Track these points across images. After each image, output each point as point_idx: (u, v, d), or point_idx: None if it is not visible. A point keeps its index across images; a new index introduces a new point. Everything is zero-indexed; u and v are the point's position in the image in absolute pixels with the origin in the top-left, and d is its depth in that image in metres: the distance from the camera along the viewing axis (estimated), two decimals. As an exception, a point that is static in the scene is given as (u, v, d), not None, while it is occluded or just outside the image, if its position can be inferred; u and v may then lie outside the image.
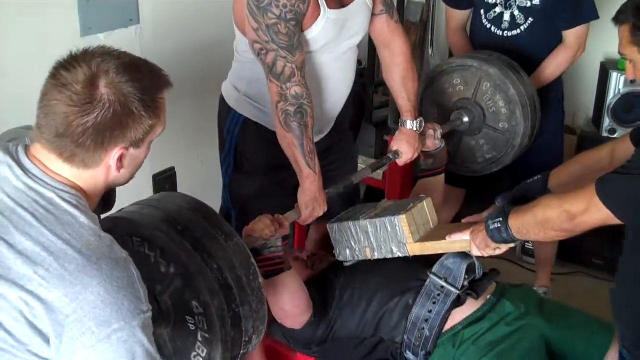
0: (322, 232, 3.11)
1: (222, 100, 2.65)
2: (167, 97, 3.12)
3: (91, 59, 1.44)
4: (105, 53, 1.47)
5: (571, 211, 1.78)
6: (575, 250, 3.83)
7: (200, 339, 1.74)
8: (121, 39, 3.27)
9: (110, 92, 1.43)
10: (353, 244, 2.37)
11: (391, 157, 2.61)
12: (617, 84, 3.67)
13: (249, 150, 2.61)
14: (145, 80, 1.48)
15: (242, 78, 2.54)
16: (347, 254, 2.41)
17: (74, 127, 1.42)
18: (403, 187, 3.43)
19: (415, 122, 2.64)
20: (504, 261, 3.78)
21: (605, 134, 3.72)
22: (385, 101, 3.98)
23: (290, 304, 2.26)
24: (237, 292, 1.73)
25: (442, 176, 2.78)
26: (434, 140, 2.69)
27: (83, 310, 1.36)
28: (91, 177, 1.50)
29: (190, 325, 1.74)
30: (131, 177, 1.60)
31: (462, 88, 2.97)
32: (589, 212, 1.74)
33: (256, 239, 2.04)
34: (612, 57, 3.79)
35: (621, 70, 3.67)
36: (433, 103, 3.07)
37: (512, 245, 2.05)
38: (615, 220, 1.72)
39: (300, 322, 2.32)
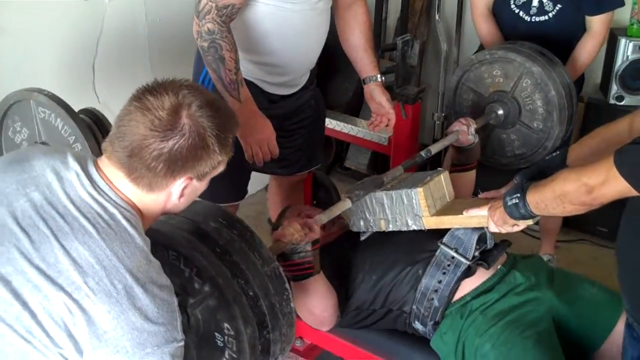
0: (285, 189, 3.15)
1: (198, 52, 2.62)
2: (173, 64, 3.13)
3: (179, 89, 1.50)
4: (192, 86, 1.53)
5: (589, 184, 1.76)
6: (580, 218, 3.77)
7: (227, 356, 1.74)
8: (126, 4, 3.25)
9: (191, 123, 1.48)
10: (368, 215, 2.36)
11: (423, 154, 2.56)
12: (626, 50, 3.64)
13: None
14: (222, 118, 1.54)
15: None
16: (360, 225, 2.40)
17: (150, 150, 1.46)
18: (408, 152, 3.41)
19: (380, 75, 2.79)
20: (508, 229, 3.79)
21: (612, 101, 3.69)
22: (391, 66, 3.93)
23: (319, 307, 2.26)
24: (269, 319, 1.73)
25: (473, 171, 2.70)
26: (468, 136, 2.62)
27: (122, 330, 1.39)
28: (151, 201, 1.55)
29: (219, 342, 1.74)
30: (185, 207, 1.64)
31: (502, 80, 2.92)
32: (608, 184, 1.71)
33: (285, 244, 2.02)
34: (620, 24, 3.75)
35: (629, 36, 3.65)
36: (469, 89, 3.04)
37: (531, 221, 2.03)
38: (634, 192, 1.69)
39: (328, 323, 2.33)
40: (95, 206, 1.47)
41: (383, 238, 2.38)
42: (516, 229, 2.08)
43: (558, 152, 2.20)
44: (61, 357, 1.40)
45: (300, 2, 2.46)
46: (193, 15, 2.37)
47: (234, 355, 1.72)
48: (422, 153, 2.57)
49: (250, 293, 1.70)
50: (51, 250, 1.42)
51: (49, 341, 1.39)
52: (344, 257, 2.43)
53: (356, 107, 4.08)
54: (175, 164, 1.48)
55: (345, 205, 2.27)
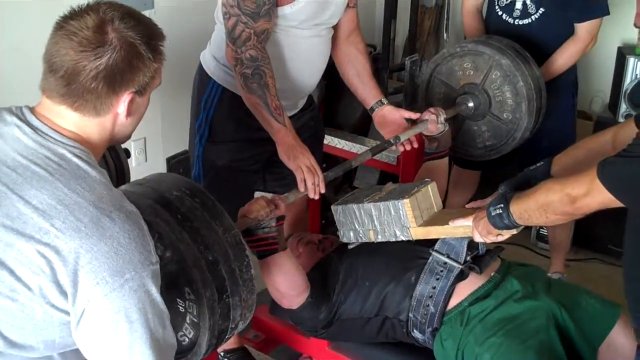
0: (289, 208, 3.16)
1: (201, 69, 2.67)
2: (179, 83, 3.16)
3: (97, 7, 1.50)
4: (109, 3, 1.53)
5: (572, 194, 1.77)
6: (591, 236, 3.80)
7: (188, 321, 1.77)
8: (135, 24, 3.30)
9: (118, 36, 1.48)
10: (357, 226, 2.38)
11: (392, 141, 2.60)
12: (634, 69, 3.64)
13: (225, 121, 2.63)
14: (146, 26, 1.54)
15: (221, 48, 2.52)
16: (350, 236, 2.42)
17: (87, 72, 1.46)
18: (416, 172, 3.42)
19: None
20: (518, 247, 3.79)
21: (621, 120, 3.66)
22: (399, 87, 3.96)
23: (285, 285, 2.27)
24: (229, 284, 1.75)
25: (446, 159, 2.77)
26: (437, 125, 2.67)
27: (98, 261, 1.40)
28: (100, 127, 1.54)
29: (180, 307, 1.76)
30: (133, 130, 1.64)
31: (472, 73, 2.98)
32: (590, 195, 1.72)
33: (251, 220, 2.06)
34: (629, 42, 3.76)
35: (638, 55, 3.64)
36: (441, 82, 3.09)
37: (515, 231, 2.03)
38: (617, 203, 1.70)
39: (297, 302, 2.33)
40: (43, 151, 1.47)
41: (375, 247, 2.40)
42: (500, 239, 2.08)
43: (542, 162, 2.20)
44: (50, 306, 1.42)
45: (307, 29, 2.49)
46: (227, 40, 2.38)
47: (195, 320, 1.74)
48: (392, 140, 2.60)
49: (210, 258, 1.71)
50: (11, 204, 1.42)
51: (32, 294, 1.41)
52: (330, 261, 2.47)
53: (364, 127, 4.08)
54: (114, 79, 1.48)
55: None
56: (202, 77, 2.67)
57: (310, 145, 2.81)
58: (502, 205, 1.98)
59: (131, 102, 1.54)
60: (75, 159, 1.48)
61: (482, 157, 3.09)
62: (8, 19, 2.85)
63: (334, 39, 2.70)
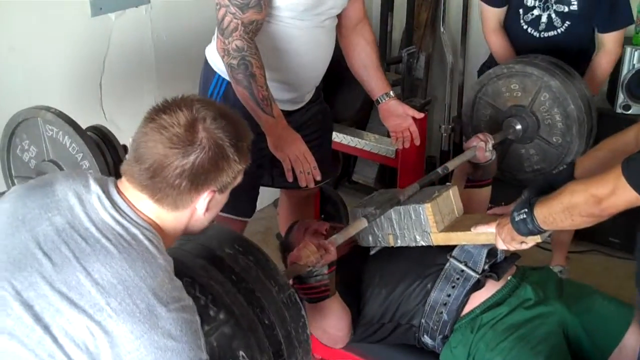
0: (295, 203, 3.14)
1: (206, 64, 2.65)
2: (179, 80, 3.12)
3: (191, 104, 1.51)
4: (202, 100, 1.55)
5: (597, 194, 1.74)
6: (591, 229, 3.74)
7: None
8: (132, 19, 3.26)
9: (208, 136, 1.50)
10: (376, 230, 2.35)
11: (440, 172, 2.52)
12: (632, 59, 3.61)
13: None
14: (236, 127, 1.56)
15: None
16: (369, 240, 2.40)
17: (172, 169, 1.48)
18: (416, 165, 3.41)
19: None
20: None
21: (619, 110, 3.67)
22: (397, 79, 3.93)
23: (334, 327, 2.26)
24: (285, 347, 1.72)
25: (489, 188, 2.66)
26: (485, 152, 2.57)
27: (146, 349, 1.37)
28: (175, 219, 1.56)
29: None
30: (208, 224, 1.65)
31: (520, 94, 2.91)
32: (616, 194, 1.69)
33: (301, 266, 2.02)
34: (626, 33, 3.74)
35: (635, 45, 3.63)
36: (487, 104, 3.03)
37: (539, 238, 2.02)
38: None
39: (342, 341, 2.33)
40: (117, 227, 1.48)
41: (393, 252, 2.38)
42: (524, 246, 2.07)
43: (566, 166, 2.18)
44: None
45: (308, 20, 2.46)
46: (217, 31, 2.37)
47: None
48: (439, 170, 2.52)
49: (266, 321, 1.69)
50: (73, 272, 1.42)
51: None
52: (354, 273, 2.42)
53: (363, 120, 4.07)
54: (198, 179, 1.50)
55: (361, 224, 2.25)
56: (208, 72, 2.64)
57: (318, 138, 2.80)
58: (526, 210, 1.95)
59: (211, 200, 1.56)
60: (146, 241, 1.49)
61: (529, 181, 2.94)
62: (2, 19, 2.79)
63: (341, 29, 2.68)
